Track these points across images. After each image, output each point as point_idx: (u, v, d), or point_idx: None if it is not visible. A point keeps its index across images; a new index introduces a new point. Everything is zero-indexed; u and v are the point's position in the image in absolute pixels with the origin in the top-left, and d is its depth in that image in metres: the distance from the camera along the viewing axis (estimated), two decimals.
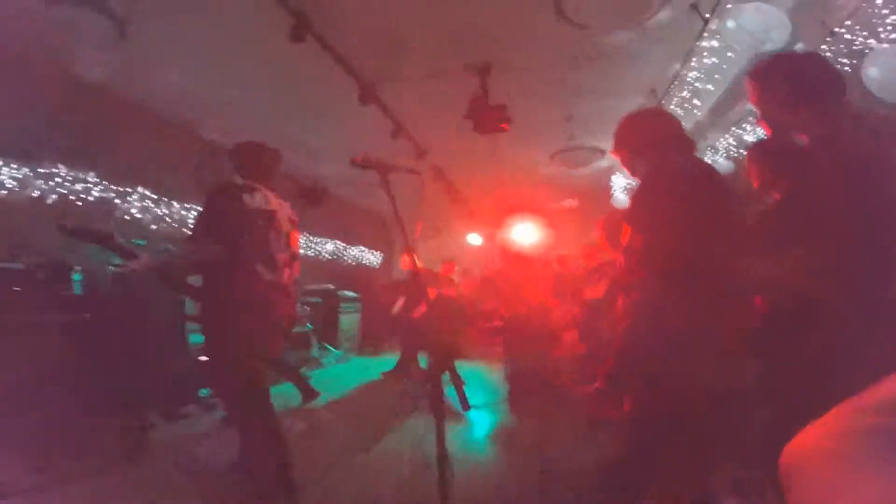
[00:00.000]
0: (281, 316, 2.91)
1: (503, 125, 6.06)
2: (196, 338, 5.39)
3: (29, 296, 3.87)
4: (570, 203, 10.87)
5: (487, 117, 5.93)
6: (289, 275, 2.99)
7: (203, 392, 5.16)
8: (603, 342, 4.17)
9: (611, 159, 8.55)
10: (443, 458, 2.05)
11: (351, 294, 9.92)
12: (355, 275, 11.74)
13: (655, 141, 2.31)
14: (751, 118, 4.59)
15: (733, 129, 4.92)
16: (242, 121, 7.38)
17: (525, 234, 8.81)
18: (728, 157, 4.94)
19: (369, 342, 9.88)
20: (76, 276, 4.61)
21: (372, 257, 13.73)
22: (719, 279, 1.90)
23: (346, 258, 12.53)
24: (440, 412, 2.11)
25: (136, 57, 5.36)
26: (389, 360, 8.57)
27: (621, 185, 8.42)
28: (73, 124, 5.73)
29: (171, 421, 4.46)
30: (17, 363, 3.46)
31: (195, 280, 2.94)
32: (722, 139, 5.06)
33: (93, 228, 2.74)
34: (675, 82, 4.99)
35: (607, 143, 7.08)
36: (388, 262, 14.67)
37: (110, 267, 4.42)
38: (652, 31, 4.50)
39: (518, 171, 9.13)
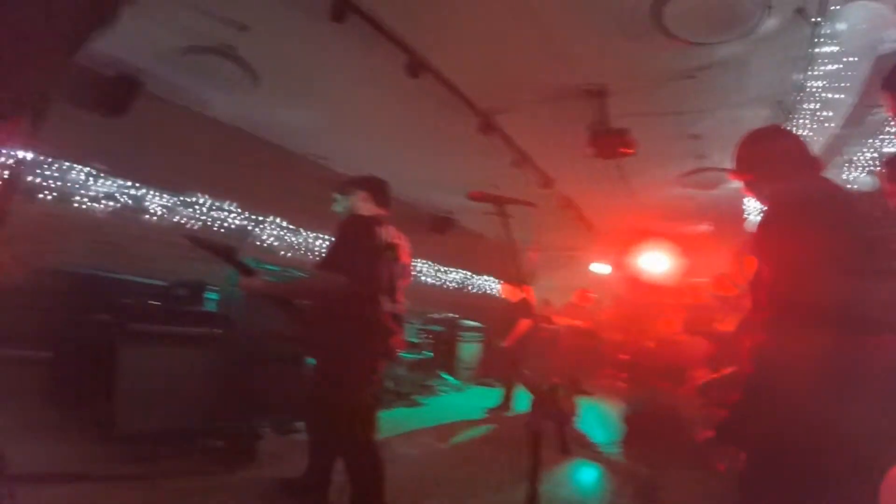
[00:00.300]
0: (395, 344, 2.91)
1: (627, 150, 5.80)
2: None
3: (167, 310, 4.29)
4: (704, 228, 10.08)
5: (609, 142, 5.70)
6: (402, 308, 3.07)
7: None
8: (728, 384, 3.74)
9: None
10: (532, 501, 1.94)
11: (473, 323, 9.90)
12: (480, 304, 11.74)
13: (777, 162, 2.07)
14: (889, 127, 3.99)
15: (871, 140, 4.28)
16: (368, 155, 7.80)
17: (655, 261, 8.31)
18: (869, 173, 4.30)
19: (490, 372, 9.72)
20: (211, 295, 5.06)
21: (498, 287, 13.71)
22: (858, 317, 1.60)
23: (471, 287, 12.63)
24: (535, 452, 2.00)
25: (265, 99, 5.84)
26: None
27: (757, 208, 7.68)
28: (212, 159, 6.41)
29: (281, 434, 4.67)
30: (151, 368, 3.83)
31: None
32: (861, 153, 4.42)
33: (215, 241, 2.96)
34: (801, 93, 4.47)
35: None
36: None
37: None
38: (763, 40, 4.09)
39: (647, 195, 8.64)
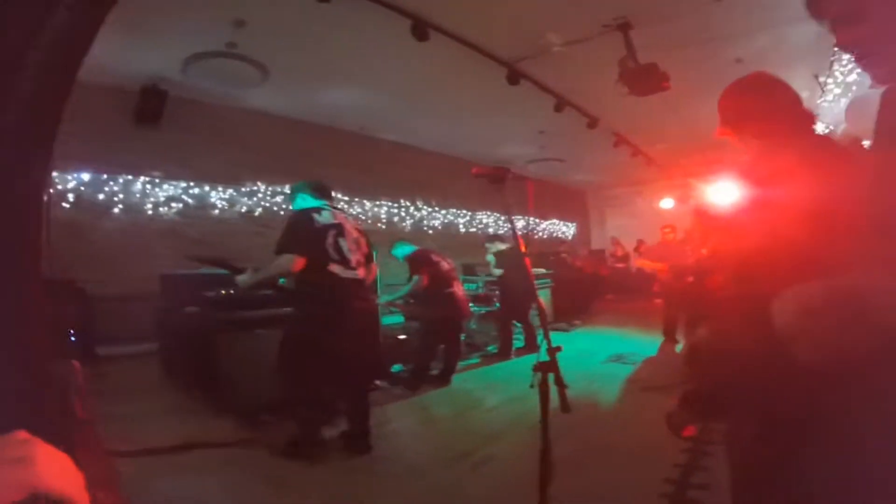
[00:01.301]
0: (360, 307, 3.54)
1: (661, 84, 5.57)
2: (388, 319, 6.09)
3: (243, 295, 4.68)
4: None
5: (640, 78, 5.50)
6: (364, 273, 3.60)
7: (395, 368, 5.77)
8: None
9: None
10: (545, 451, 2.03)
11: (540, 270, 9.90)
12: (548, 249, 11.75)
13: (761, 117, 1.85)
14: None
15: None
16: (407, 120, 8.02)
17: (725, 193, 7.91)
18: None
19: (562, 317, 9.79)
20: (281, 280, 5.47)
21: (565, 229, 13.64)
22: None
23: (538, 232, 12.63)
24: (544, 400, 2.07)
25: (293, 85, 6.20)
26: (583, 334, 8.62)
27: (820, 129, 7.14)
28: (260, 146, 6.83)
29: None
30: (243, 349, 4.20)
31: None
32: None
33: (210, 256, 4.13)
34: None
35: (790, 81, 6.04)
36: (583, 231, 14.47)
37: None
38: None
39: (703, 125, 8.24)
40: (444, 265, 5.61)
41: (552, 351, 2.07)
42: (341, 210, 3.72)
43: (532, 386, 2.12)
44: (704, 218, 7.70)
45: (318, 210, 3.49)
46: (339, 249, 3.44)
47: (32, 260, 0.85)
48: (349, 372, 3.68)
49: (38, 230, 0.87)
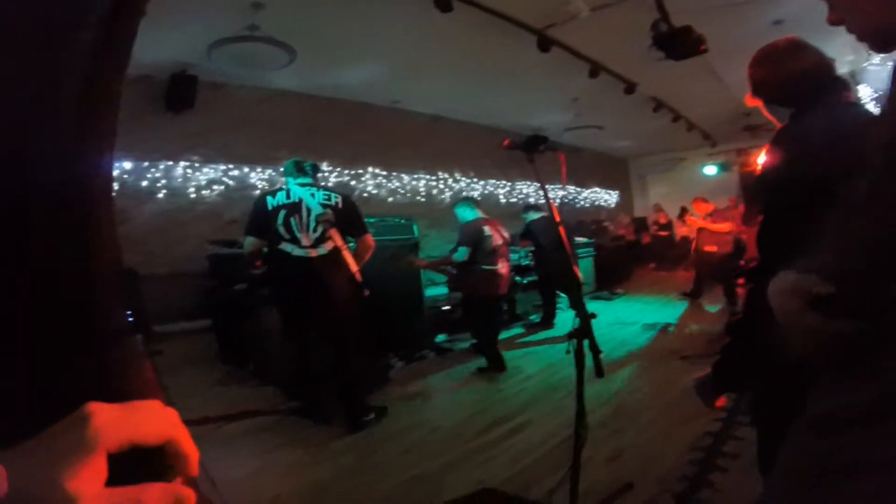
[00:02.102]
0: (309, 285, 3.58)
1: (701, 47, 5.41)
2: (432, 291, 6.31)
3: None
4: None
5: (674, 42, 5.36)
6: (328, 248, 3.61)
7: (439, 339, 6.00)
8: None
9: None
10: (580, 415, 2.15)
11: (582, 240, 9.84)
12: (591, 217, 11.64)
13: (784, 86, 1.69)
14: None
15: None
16: (440, 92, 7.99)
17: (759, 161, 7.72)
18: None
19: (604, 286, 9.76)
20: None
21: (607, 197, 13.46)
22: None
23: (580, 201, 12.50)
24: (579, 365, 2.18)
25: (321, 64, 6.26)
26: (625, 303, 8.64)
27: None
28: (294, 126, 7.00)
29: (408, 362, 5.36)
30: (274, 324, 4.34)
31: None
32: None
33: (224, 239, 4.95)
34: None
35: (832, 44, 5.72)
36: (625, 199, 14.25)
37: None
38: None
39: (743, 88, 7.95)
40: (497, 240, 5.21)
41: (586, 318, 2.17)
42: (315, 186, 3.77)
43: (568, 352, 2.25)
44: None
45: (275, 192, 3.69)
46: (289, 229, 3.58)
47: (111, 248, 0.97)
48: (329, 345, 3.83)
49: (113, 221, 0.99)
